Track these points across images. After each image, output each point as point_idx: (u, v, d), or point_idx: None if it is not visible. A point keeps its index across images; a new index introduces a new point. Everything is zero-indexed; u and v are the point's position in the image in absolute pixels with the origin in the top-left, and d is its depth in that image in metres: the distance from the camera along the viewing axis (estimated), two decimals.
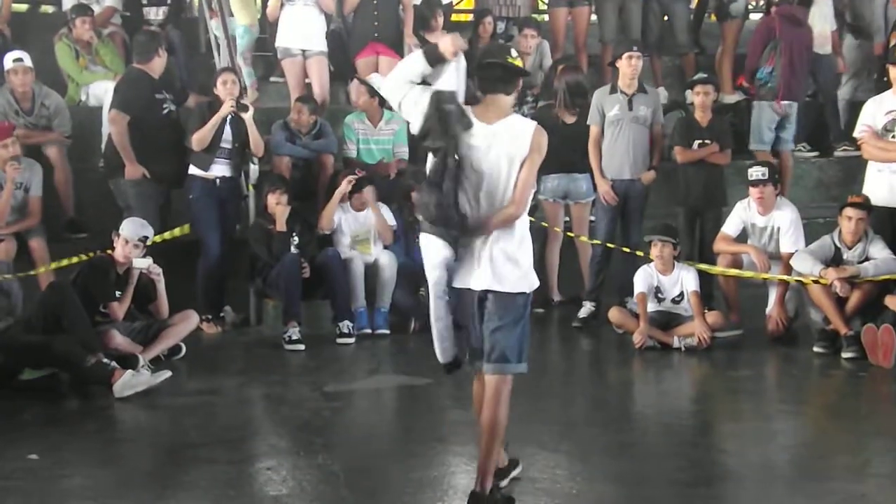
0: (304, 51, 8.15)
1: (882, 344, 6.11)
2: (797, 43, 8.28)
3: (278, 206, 6.90)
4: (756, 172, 6.90)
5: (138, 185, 6.95)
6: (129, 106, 6.98)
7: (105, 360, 5.62)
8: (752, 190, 6.89)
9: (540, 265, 7.50)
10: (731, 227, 6.99)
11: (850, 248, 6.51)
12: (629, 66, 7.20)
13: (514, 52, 3.91)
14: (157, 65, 7.10)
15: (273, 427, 5.30)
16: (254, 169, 7.31)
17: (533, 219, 7.47)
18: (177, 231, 7.12)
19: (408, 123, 8.62)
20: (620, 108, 7.22)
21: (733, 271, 6.92)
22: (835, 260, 6.52)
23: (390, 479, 4.34)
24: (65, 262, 6.65)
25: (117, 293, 6.18)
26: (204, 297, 6.99)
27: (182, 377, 5.98)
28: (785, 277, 6.70)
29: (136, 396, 5.47)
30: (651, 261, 6.84)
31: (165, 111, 7.06)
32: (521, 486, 4.25)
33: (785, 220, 6.83)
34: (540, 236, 7.25)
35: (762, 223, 6.92)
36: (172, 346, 6.31)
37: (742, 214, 6.97)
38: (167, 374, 5.65)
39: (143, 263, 6.20)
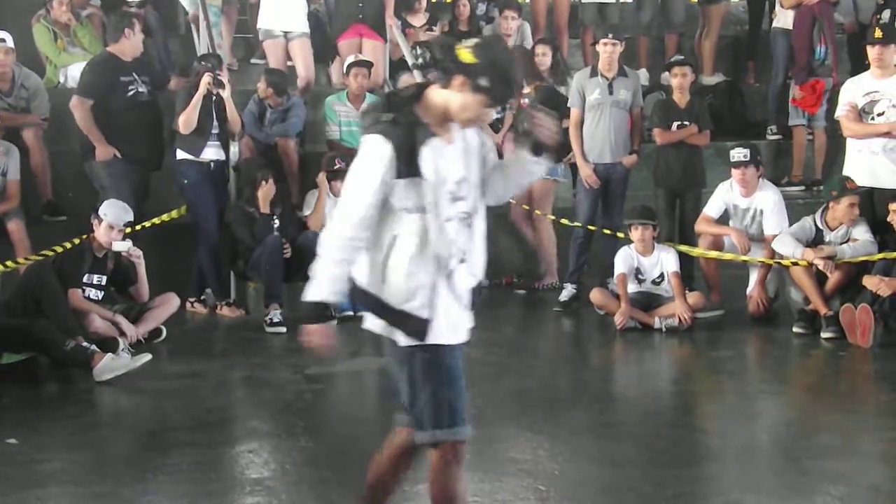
0: (286, 32, 8.09)
1: (860, 323, 6.15)
2: (830, 21, 8.51)
3: (268, 195, 6.88)
4: (738, 154, 6.91)
5: (109, 166, 6.89)
6: (90, 91, 6.94)
7: (85, 344, 5.59)
8: (733, 171, 6.90)
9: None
10: (713, 208, 7.01)
11: (832, 230, 6.54)
12: (605, 52, 7.20)
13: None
14: (126, 46, 7.00)
15: (254, 410, 5.28)
16: (234, 151, 7.26)
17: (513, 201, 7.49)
18: (174, 213, 7.08)
19: None
20: (601, 92, 7.22)
21: (713, 253, 6.95)
22: (815, 241, 6.56)
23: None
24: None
25: (96, 279, 6.14)
26: (215, 281, 7.00)
27: (163, 360, 5.96)
28: (765, 260, 6.73)
29: (116, 380, 5.44)
30: (631, 242, 6.86)
31: (131, 93, 6.93)
32: (504, 468, 4.26)
33: (768, 202, 6.85)
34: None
35: (744, 205, 6.94)
36: (153, 328, 6.28)
37: (724, 196, 6.99)
38: (147, 357, 5.62)
39: (122, 246, 6.16)
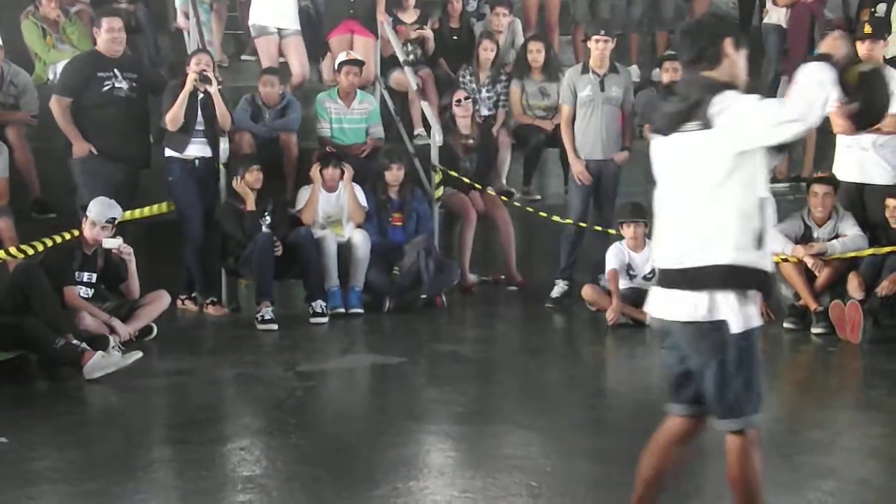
0: (279, 29, 8.07)
1: (849, 319, 6.17)
2: (823, 18, 8.55)
3: (255, 183, 6.85)
4: None
5: (84, 163, 6.84)
6: (66, 89, 6.91)
7: (75, 342, 5.57)
8: None
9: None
10: None
11: (820, 226, 6.56)
12: (597, 49, 7.20)
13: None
14: (101, 42, 6.95)
15: (246, 407, 5.27)
16: (224, 148, 7.24)
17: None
18: (155, 208, 7.04)
19: (382, 103, 8.66)
20: (592, 89, 7.22)
21: None
22: (805, 238, 6.57)
23: (364, 459, 4.33)
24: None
25: (86, 276, 6.12)
26: (201, 280, 6.98)
27: (154, 358, 5.93)
28: None
29: (106, 378, 5.42)
30: (622, 238, 6.86)
31: (106, 87, 6.87)
32: (496, 464, 4.26)
33: None
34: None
35: None
36: (144, 326, 6.26)
37: None
38: (138, 354, 5.60)
39: (113, 243, 6.14)
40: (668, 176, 3.18)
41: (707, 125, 3.00)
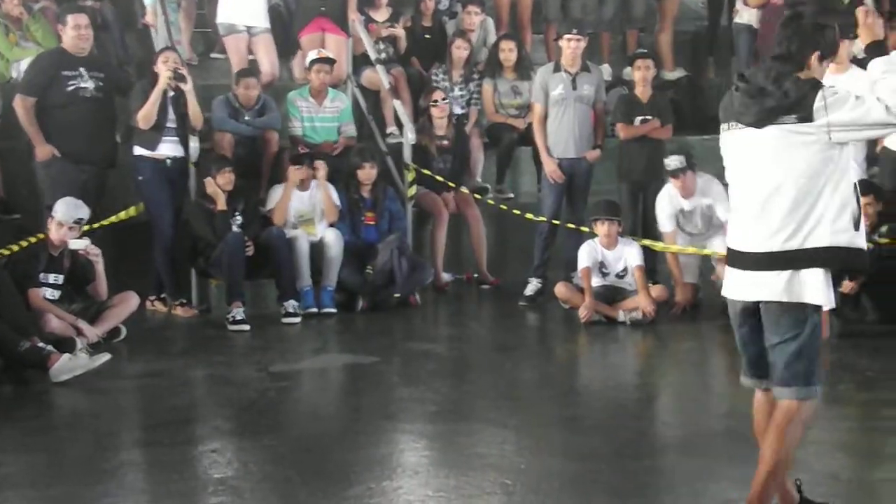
0: (249, 28, 8.01)
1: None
2: None
3: (226, 185, 6.80)
4: (673, 162, 6.84)
5: (48, 167, 6.72)
6: (29, 88, 6.81)
7: (40, 345, 5.48)
8: (672, 181, 6.90)
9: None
10: (666, 222, 6.95)
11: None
12: (569, 48, 7.20)
13: None
14: (67, 39, 6.83)
15: (218, 408, 5.22)
16: (194, 147, 7.17)
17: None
18: (122, 214, 6.97)
19: (354, 102, 8.62)
20: (564, 88, 7.23)
21: (675, 247, 6.98)
22: None
23: (338, 459, 4.30)
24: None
25: (53, 278, 6.03)
26: (169, 280, 6.92)
27: (122, 360, 5.87)
28: (723, 254, 6.76)
29: (74, 380, 5.34)
30: (595, 235, 6.87)
31: (71, 88, 6.76)
32: (470, 462, 4.25)
33: (716, 195, 6.89)
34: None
35: (689, 206, 6.96)
36: (112, 328, 6.18)
37: (669, 205, 6.95)
38: (106, 356, 5.53)
39: (80, 244, 6.07)
40: (756, 166, 3.34)
41: (806, 119, 3.23)
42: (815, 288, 3.28)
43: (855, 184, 3.33)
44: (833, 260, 3.28)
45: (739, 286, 3.41)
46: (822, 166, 3.25)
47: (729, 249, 3.49)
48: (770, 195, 3.30)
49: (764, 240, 3.31)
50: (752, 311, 3.40)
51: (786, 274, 3.28)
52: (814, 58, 3.32)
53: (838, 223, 3.26)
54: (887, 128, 3.30)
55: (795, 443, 3.42)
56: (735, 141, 3.40)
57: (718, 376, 5.81)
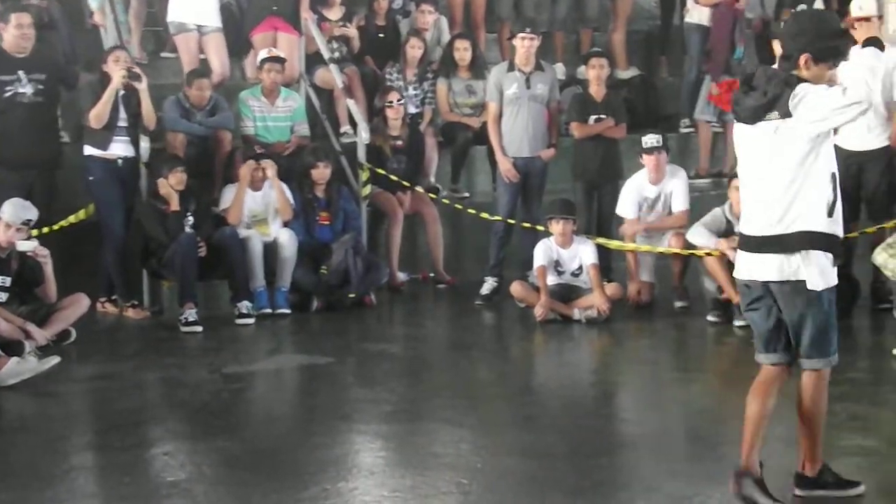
0: (199, 26, 7.92)
1: None
2: (744, 20, 8.69)
3: (178, 185, 6.72)
4: (651, 140, 7.02)
5: None
6: None
7: None
8: (646, 158, 7.00)
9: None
10: (629, 208, 7.05)
11: (740, 220, 6.67)
12: (522, 47, 7.23)
13: None
14: (8, 38, 6.70)
15: (170, 411, 5.16)
16: (144, 147, 7.08)
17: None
18: (72, 218, 6.85)
19: (307, 101, 8.56)
20: (518, 87, 7.25)
21: (630, 245, 7.04)
22: (727, 232, 6.67)
23: (293, 460, 4.27)
24: None
25: (0, 280, 5.92)
26: (120, 281, 6.82)
27: (72, 363, 5.77)
28: (679, 251, 6.84)
29: (22, 384, 5.25)
30: (550, 234, 6.90)
31: (9, 93, 6.64)
32: (425, 462, 4.24)
33: (677, 184, 7.01)
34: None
35: (653, 193, 7.06)
36: (62, 330, 6.08)
37: (635, 192, 7.05)
38: (56, 359, 5.45)
39: (28, 246, 5.96)
40: (755, 159, 3.68)
41: (787, 115, 3.53)
42: (813, 268, 3.57)
43: (833, 173, 3.59)
44: (815, 244, 3.57)
45: (744, 267, 3.74)
46: (804, 158, 3.54)
47: (740, 234, 3.84)
48: (764, 184, 3.64)
49: (763, 224, 3.65)
50: (760, 290, 3.68)
51: (780, 256, 3.61)
52: (803, 59, 3.56)
53: (817, 210, 3.56)
54: (848, 109, 3.50)
55: (825, 405, 3.76)
56: (738, 135, 3.75)
57: (672, 373, 5.86)
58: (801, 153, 3.55)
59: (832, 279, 3.64)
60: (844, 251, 4.10)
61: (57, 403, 5.19)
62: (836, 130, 3.73)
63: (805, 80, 3.55)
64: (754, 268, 3.69)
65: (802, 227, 3.58)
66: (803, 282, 3.60)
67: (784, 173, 3.58)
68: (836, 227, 3.63)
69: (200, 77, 7.41)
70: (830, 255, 3.61)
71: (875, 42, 5.77)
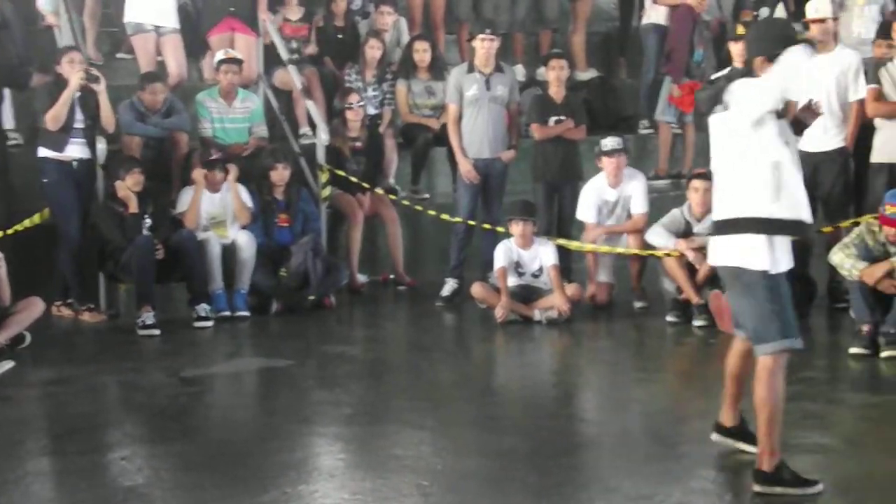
0: (157, 27, 7.83)
1: (726, 310, 6.35)
2: (702, 21, 8.78)
3: (135, 186, 6.64)
4: (611, 143, 7.06)
5: None
6: None
7: None
8: (606, 161, 7.04)
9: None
10: (589, 212, 7.09)
11: (699, 221, 6.73)
12: (482, 48, 7.24)
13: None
14: None
15: (127, 415, 5.09)
16: (101, 149, 6.98)
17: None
18: (27, 222, 6.76)
19: (265, 101, 8.49)
20: (478, 88, 7.26)
21: (590, 246, 7.07)
22: (686, 233, 6.74)
23: (253, 464, 4.23)
24: None
25: None
26: (76, 284, 6.73)
27: (27, 367, 5.68)
28: (638, 251, 6.89)
29: None
30: (511, 236, 6.92)
31: None
32: (386, 464, 4.22)
33: (637, 187, 7.04)
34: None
35: (613, 197, 7.10)
36: (16, 334, 5.98)
37: (594, 195, 7.09)
38: (9, 364, 5.39)
39: None
40: (715, 149, 3.97)
41: (726, 107, 3.87)
42: (751, 252, 3.73)
43: (778, 161, 3.75)
44: (756, 228, 3.73)
45: (710, 251, 4.00)
46: (745, 147, 3.78)
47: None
48: (719, 172, 3.94)
49: (717, 211, 3.92)
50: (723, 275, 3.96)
51: (724, 239, 3.83)
52: (756, 62, 3.85)
53: (759, 196, 3.74)
54: (769, 92, 3.74)
55: (780, 391, 3.78)
56: (710, 127, 4.05)
57: (632, 373, 5.89)
58: (742, 142, 3.78)
59: (774, 265, 3.73)
60: (800, 249, 4.24)
61: (11, 408, 5.09)
62: (799, 129, 3.97)
63: (734, 75, 3.96)
64: (713, 252, 3.94)
65: (744, 213, 3.76)
66: (740, 268, 3.75)
67: (729, 162, 3.85)
68: (787, 211, 3.75)
69: (154, 81, 7.35)
70: (780, 239, 3.73)
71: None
